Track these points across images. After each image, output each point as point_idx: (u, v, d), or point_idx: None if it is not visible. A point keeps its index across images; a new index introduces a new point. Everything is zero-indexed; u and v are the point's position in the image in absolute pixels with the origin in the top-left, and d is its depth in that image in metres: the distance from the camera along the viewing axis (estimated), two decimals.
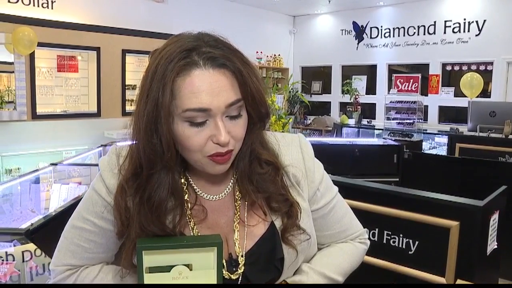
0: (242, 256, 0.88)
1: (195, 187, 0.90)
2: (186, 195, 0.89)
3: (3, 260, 1.55)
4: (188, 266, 0.81)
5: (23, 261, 1.60)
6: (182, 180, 0.89)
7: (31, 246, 1.62)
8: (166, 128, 0.78)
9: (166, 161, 0.81)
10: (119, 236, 0.88)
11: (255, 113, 0.85)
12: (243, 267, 0.87)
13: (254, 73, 0.83)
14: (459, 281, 1.46)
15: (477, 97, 6.56)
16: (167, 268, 0.81)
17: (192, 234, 0.88)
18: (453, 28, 7.87)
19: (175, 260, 0.81)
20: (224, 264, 0.87)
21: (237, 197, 0.92)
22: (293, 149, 0.97)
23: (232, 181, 0.92)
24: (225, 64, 0.79)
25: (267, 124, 0.93)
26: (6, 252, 1.57)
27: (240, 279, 0.87)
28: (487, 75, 7.38)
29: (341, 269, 0.97)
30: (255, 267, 0.89)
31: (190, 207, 0.89)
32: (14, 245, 1.57)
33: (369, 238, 1.08)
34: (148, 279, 0.80)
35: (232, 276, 0.87)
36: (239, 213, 0.91)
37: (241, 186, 0.90)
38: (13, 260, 1.56)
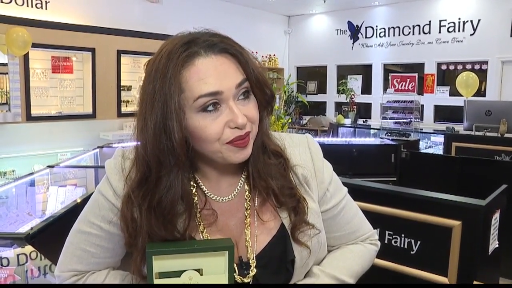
0: (253, 258, 0.87)
1: (204, 189, 0.89)
2: (196, 198, 0.87)
3: None
4: (199, 271, 0.80)
5: (18, 264, 1.58)
6: (191, 183, 0.87)
7: (26, 249, 1.60)
8: (177, 124, 0.77)
9: (177, 159, 0.79)
10: (127, 246, 0.87)
11: (262, 95, 0.85)
12: (254, 270, 0.86)
13: (251, 56, 0.85)
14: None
15: (473, 96, 6.59)
16: (177, 273, 0.79)
17: (201, 237, 0.86)
18: (448, 28, 7.89)
19: (185, 265, 0.79)
20: (235, 268, 0.85)
21: (246, 197, 0.90)
22: (302, 150, 0.96)
23: (241, 180, 0.91)
24: (226, 48, 0.81)
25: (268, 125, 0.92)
26: (1, 256, 1.55)
27: (251, 282, 0.86)
28: (481, 74, 7.40)
29: (352, 271, 0.96)
30: (266, 269, 0.87)
31: (200, 210, 0.87)
32: (14, 249, 1.55)
33: (378, 240, 1.07)
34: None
35: (244, 279, 0.85)
36: (249, 214, 0.89)
37: (254, 180, 0.88)
38: (8, 264, 1.55)
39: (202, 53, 0.79)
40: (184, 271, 0.79)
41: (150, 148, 0.79)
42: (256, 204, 0.90)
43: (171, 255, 0.79)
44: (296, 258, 0.88)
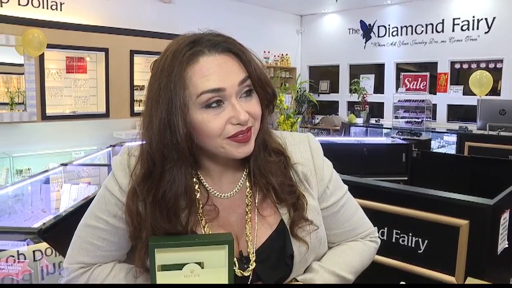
0: (253, 253, 0.89)
1: (207, 186, 0.91)
2: (198, 194, 0.90)
3: (14, 259, 1.57)
4: (200, 264, 0.82)
5: (34, 260, 1.62)
6: (194, 179, 0.90)
7: (42, 246, 1.64)
8: (182, 120, 0.80)
9: (180, 153, 0.82)
10: (131, 239, 0.90)
11: (264, 94, 0.88)
12: (254, 264, 0.88)
13: (253, 56, 0.87)
14: (470, 280, 1.44)
15: (487, 95, 6.49)
16: (179, 266, 0.82)
17: (203, 232, 0.89)
18: (462, 26, 7.79)
19: (187, 258, 0.82)
20: (236, 261, 0.88)
21: (247, 194, 0.93)
22: (302, 148, 0.98)
23: (243, 177, 0.93)
24: (229, 48, 0.83)
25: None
26: (18, 251, 1.60)
27: (250, 276, 0.88)
28: (496, 73, 7.29)
29: (352, 267, 0.98)
30: (265, 264, 0.90)
31: (202, 206, 0.90)
32: (28, 244, 1.59)
33: (378, 237, 1.08)
34: (161, 276, 0.81)
35: (244, 273, 0.88)
36: (250, 210, 0.92)
37: (255, 176, 0.91)
38: (25, 259, 1.59)
39: (206, 51, 0.82)
40: (186, 264, 0.82)
41: (155, 143, 0.82)
42: (256, 200, 0.92)
43: (173, 248, 0.82)
44: (295, 253, 0.90)
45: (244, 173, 0.93)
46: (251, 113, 0.84)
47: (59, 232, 1.61)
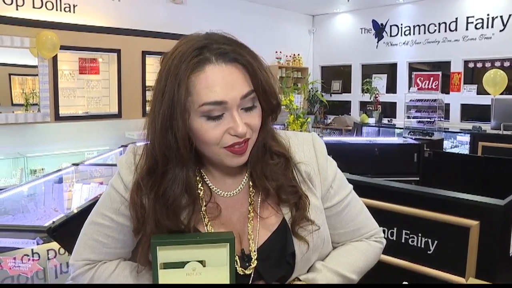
0: (254, 251, 0.90)
1: (210, 184, 0.92)
2: (202, 193, 0.91)
3: (29, 257, 1.60)
4: (202, 262, 0.83)
5: (48, 258, 1.64)
6: (197, 178, 0.91)
7: (55, 245, 1.67)
8: (182, 124, 0.80)
9: (181, 156, 0.83)
10: (135, 233, 0.91)
11: (267, 105, 0.88)
12: (255, 262, 0.89)
13: (262, 66, 0.86)
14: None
15: (501, 94, 6.39)
16: (181, 264, 0.82)
17: (206, 230, 0.90)
18: (476, 24, 7.68)
19: (188, 256, 0.83)
20: (237, 260, 0.88)
21: (250, 193, 0.93)
22: (306, 147, 0.98)
23: (246, 177, 0.94)
24: (236, 58, 0.82)
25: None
26: (32, 250, 1.63)
27: (252, 274, 0.89)
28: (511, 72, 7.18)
29: (356, 267, 0.97)
30: (267, 262, 0.90)
31: (205, 204, 0.90)
32: (38, 243, 1.62)
33: (387, 238, 1.08)
34: (163, 274, 0.82)
35: (245, 271, 0.88)
36: (252, 209, 0.92)
37: (254, 179, 0.91)
38: (38, 258, 1.61)
39: (213, 60, 0.81)
40: (188, 262, 0.83)
41: (157, 143, 0.84)
42: (259, 200, 0.93)
43: (175, 246, 0.82)
44: (296, 252, 0.90)
45: (247, 173, 0.94)
46: (250, 125, 0.84)
47: (68, 231, 1.63)
